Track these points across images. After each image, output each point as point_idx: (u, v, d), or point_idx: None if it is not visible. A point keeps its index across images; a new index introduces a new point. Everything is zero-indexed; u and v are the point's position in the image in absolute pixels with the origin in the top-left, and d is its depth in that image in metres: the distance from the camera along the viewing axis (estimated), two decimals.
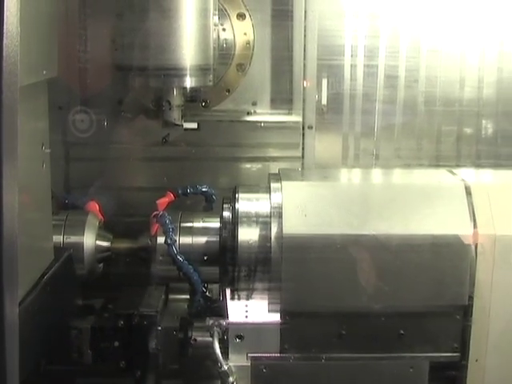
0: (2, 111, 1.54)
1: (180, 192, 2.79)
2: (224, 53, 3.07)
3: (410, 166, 3.13)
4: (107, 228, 2.80)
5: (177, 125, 2.86)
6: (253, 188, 2.68)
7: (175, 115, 2.82)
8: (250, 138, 3.16)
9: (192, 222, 2.69)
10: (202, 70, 2.74)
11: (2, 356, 1.60)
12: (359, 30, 3.06)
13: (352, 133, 3.15)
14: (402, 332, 2.49)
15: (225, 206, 2.64)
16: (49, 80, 2.28)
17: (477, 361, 2.50)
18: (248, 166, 3.19)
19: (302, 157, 3.14)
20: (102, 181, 3.04)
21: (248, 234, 2.51)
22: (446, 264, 2.45)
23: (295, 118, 3.14)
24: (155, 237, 2.63)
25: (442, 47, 3.10)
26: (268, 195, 2.55)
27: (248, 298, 2.54)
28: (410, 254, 2.44)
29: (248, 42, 3.09)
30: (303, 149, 3.14)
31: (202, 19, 2.71)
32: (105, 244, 2.74)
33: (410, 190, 2.60)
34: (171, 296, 2.85)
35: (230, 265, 2.53)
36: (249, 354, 2.47)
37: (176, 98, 2.80)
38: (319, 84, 3.11)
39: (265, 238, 2.48)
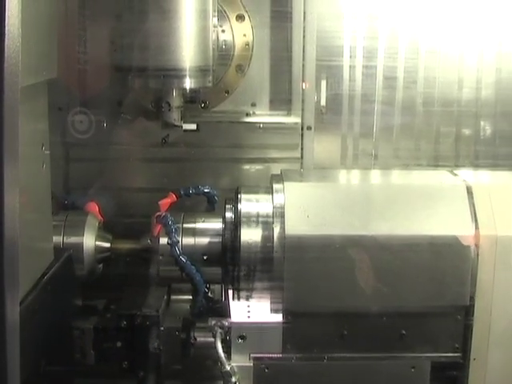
0: (4, 111, 1.54)
1: (182, 193, 2.79)
2: (223, 54, 3.07)
3: (409, 166, 3.14)
4: (107, 229, 2.81)
5: (176, 126, 2.87)
6: (255, 189, 2.69)
7: (175, 116, 2.83)
8: (249, 139, 3.16)
9: (194, 222, 2.70)
10: (201, 71, 2.75)
11: (2, 355, 1.60)
12: (358, 31, 3.07)
13: (351, 133, 3.16)
14: (403, 332, 2.50)
15: (227, 206, 2.64)
16: (48, 81, 2.29)
17: (478, 361, 2.51)
18: (247, 166, 3.20)
19: (301, 157, 3.15)
20: (102, 181, 3.05)
21: (250, 235, 2.52)
22: (448, 264, 2.46)
23: (294, 118, 3.14)
24: (158, 237, 2.64)
25: (440, 48, 3.10)
26: (270, 196, 2.56)
27: (250, 298, 2.54)
28: (412, 254, 2.45)
29: (247, 44, 3.10)
30: (302, 149, 3.15)
31: (202, 20, 2.71)
32: (104, 245, 2.74)
33: (411, 190, 2.61)
34: (173, 296, 2.85)
35: (233, 265, 2.53)
36: (251, 355, 2.48)
37: (175, 99, 2.81)
38: (318, 85, 3.11)
39: (267, 239, 2.49)
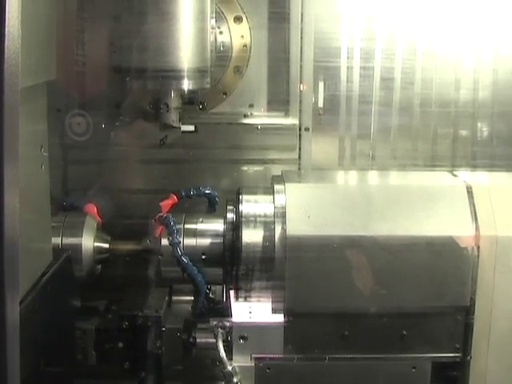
0: (4, 112, 1.55)
1: (183, 194, 2.80)
2: (221, 55, 3.08)
3: (406, 167, 3.15)
4: (105, 230, 2.81)
5: (174, 127, 2.87)
6: (256, 190, 2.70)
7: (173, 117, 2.83)
8: (246, 140, 3.17)
9: (196, 223, 2.70)
10: (199, 72, 2.75)
11: (3, 355, 1.61)
12: (355, 33, 3.07)
13: (348, 134, 3.16)
14: (404, 332, 2.51)
15: (228, 207, 2.65)
16: (47, 83, 2.29)
17: (478, 361, 2.52)
18: (245, 168, 3.20)
19: (299, 158, 3.15)
20: (100, 183, 3.05)
21: (252, 236, 2.53)
22: (448, 265, 2.47)
23: (292, 120, 3.15)
24: (159, 238, 2.64)
25: (437, 49, 3.11)
26: (271, 197, 2.57)
27: (252, 298, 2.55)
28: (412, 254, 2.46)
29: (245, 45, 3.10)
30: (300, 151, 3.16)
31: (200, 22, 2.72)
32: (103, 245, 2.75)
33: (411, 191, 2.62)
34: (174, 297, 2.87)
35: (234, 266, 2.54)
36: (252, 355, 2.49)
37: (174, 101, 2.81)
38: (316, 86, 3.12)
39: (269, 240, 2.50)
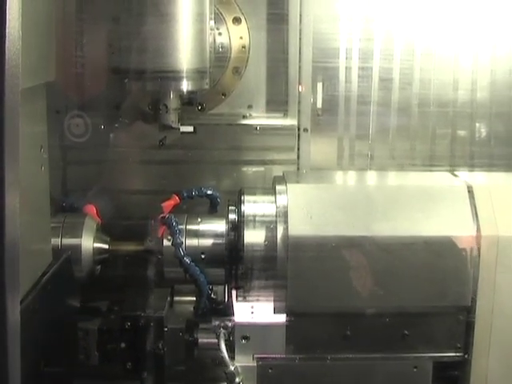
0: (5, 113, 1.55)
1: (185, 195, 2.80)
2: (220, 56, 3.08)
3: (404, 167, 3.15)
4: (105, 230, 2.82)
5: (174, 128, 2.87)
6: (258, 190, 2.72)
7: (172, 118, 2.83)
8: (245, 141, 3.17)
9: (198, 224, 2.71)
10: (198, 73, 2.76)
11: (3, 355, 1.61)
12: (354, 33, 3.08)
13: (347, 135, 3.17)
14: (406, 332, 2.52)
15: (230, 208, 2.66)
16: (46, 84, 2.30)
17: (479, 360, 2.53)
18: (244, 168, 3.21)
19: (298, 159, 3.16)
20: (100, 184, 3.05)
21: (254, 236, 2.54)
22: (449, 265, 2.48)
23: (291, 121, 3.16)
24: (162, 239, 2.65)
25: (435, 50, 3.12)
26: (273, 197, 2.58)
27: (254, 299, 2.56)
28: (414, 255, 2.47)
29: (244, 46, 3.11)
30: (299, 151, 3.16)
31: (199, 23, 2.72)
32: (102, 246, 2.75)
33: (413, 191, 2.64)
34: (176, 298, 2.87)
35: (236, 266, 2.55)
36: (255, 355, 2.50)
37: (173, 102, 2.81)
38: (314, 87, 3.13)
39: (271, 240, 2.51)
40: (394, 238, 2.47)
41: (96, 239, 2.73)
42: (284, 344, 2.51)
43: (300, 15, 3.05)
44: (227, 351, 2.47)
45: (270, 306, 2.53)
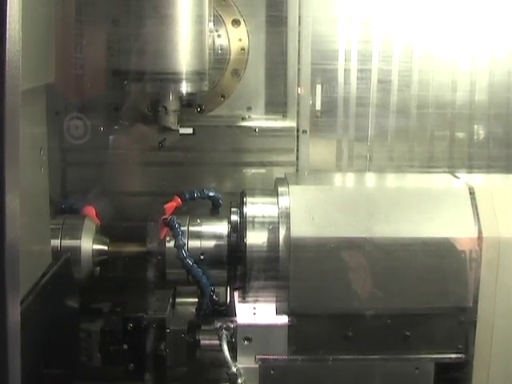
0: (5, 114, 1.56)
1: (187, 196, 2.80)
2: (219, 58, 3.09)
3: (402, 168, 3.16)
4: (104, 232, 2.82)
5: (173, 130, 2.88)
6: (260, 192, 2.72)
7: (171, 120, 2.84)
8: (244, 143, 3.18)
9: (200, 225, 2.71)
10: (197, 75, 2.76)
11: (4, 355, 1.62)
12: (353, 36, 3.09)
13: (346, 137, 3.18)
14: (407, 334, 2.52)
15: (233, 209, 2.66)
16: (46, 85, 2.30)
17: (481, 361, 2.53)
18: (243, 170, 3.21)
19: (297, 160, 3.17)
20: (99, 185, 3.05)
21: (256, 238, 2.54)
22: (451, 266, 2.48)
23: (290, 122, 3.16)
24: (164, 240, 2.65)
25: (434, 52, 3.13)
26: (275, 199, 2.59)
27: (256, 300, 2.56)
28: (415, 256, 2.47)
29: (243, 48, 3.12)
30: (298, 153, 3.17)
31: (198, 25, 2.73)
32: (102, 248, 2.75)
33: (415, 193, 2.64)
34: (178, 299, 2.88)
35: (238, 267, 2.56)
36: (257, 356, 2.50)
37: (172, 103, 2.82)
38: (313, 89, 3.13)
39: (273, 241, 2.51)
40: (395, 239, 2.48)
41: (95, 241, 2.73)
42: (286, 345, 2.51)
43: (299, 17, 3.06)
44: (229, 352, 2.47)
45: (272, 307, 2.53)
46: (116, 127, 3.07)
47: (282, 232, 2.50)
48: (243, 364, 2.49)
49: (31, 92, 2.06)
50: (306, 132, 3.15)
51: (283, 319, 2.52)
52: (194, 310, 2.78)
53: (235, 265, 2.60)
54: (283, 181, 2.70)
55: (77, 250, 2.66)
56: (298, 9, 3.05)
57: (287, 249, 2.47)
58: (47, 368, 2.19)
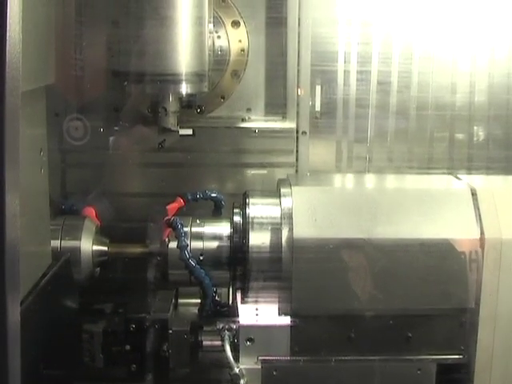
0: (5, 115, 1.56)
1: (190, 197, 2.81)
2: (219, 60, 3.09)
3: (401, 169, 3.17)
4: (104, 233, 2.82)
5: (173, 131, 2.88)
6: (262, 193, 2.73)
7: (171, 121, 2.84)
8: (244, 144, 3.18)
9: (203, 226, 2.71)
10: (197, 76, 2.77)
11: (3, 355, 1.62)
12: (352, 37, 3.09)
13: (345, 138, 3.18)
14: (409, 335, 2.52)
15: (235, 210, 2.67)
16: (46, 87, 2.31)
17: (483, 363, 2.53)
18: (243, 171, 3.21)
19: (296, 161, 3.17)
20: (99, 186, 3.06)
21: (259, 239, 2.54)
22: (453, 267, 2.49)
23: (289, 123, 3.16)
24: (167, 241, 2.66)
25: (433, 54, 3.14)
26: (277, 200, 2.59)
27: (258, 301, 2.57)
28: (418, 257, 2.48)
29: (242, 49, 3.12)
30: (297, 154, 3.17)
31: (198, 27, 2.73)
32: (102, 248, 2.75)
33: (417, 194, 2.64)
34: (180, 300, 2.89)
35: (241, 268, 2.56)
36: (259, 357, 2.51)
37: (172, 105, 2.82)
38: (313, 90, 3.14)
39: (275, 242, 2.51)
40: (398, 240, 2.48)
41: (95, 242, 2.73)
42: (288, 346, 2.51)
43: (299, 19, 3.06)
44: (231, 353, 2.47)
45: (275, 308, 2.53)
46: (116, 128, 3.08)
47: (285, 233, 2.50)
48: (245, 365, 2.50)
49: (31, 93, 2.06)
50: (305, 133, 3.16)
51: (285, 320, 2.52)
52: (196, 311, 2.78)
53: (237, 266, 2.60)
54: (285, 182, 2.70)
55: (77, 251, 2.66)
56: (298, 10, 3.05)
57: (289, 250, 2.47)
58: (47, 369, 2.19)
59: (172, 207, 2.75)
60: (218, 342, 2.53)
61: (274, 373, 2.52)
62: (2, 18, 1.54)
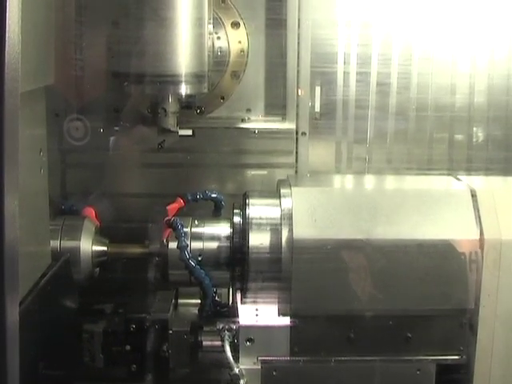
0: (4, 116, 1.56)
1: (190, 198, 2.81)
2: (218, 60, 3.09)
3: (400, 170, 3.17)
4: (103, 233, 2.82)
5: (172, 131, 2.88)
6: (262, 193, 2.73)
7: (171, 122, 2.84)
8: (244, 144, 3.18)
9: (203, 226, 2.72)
10: (197, 77, 2.77)
11: (2, 356, 1.62)
12: (352, 38, 3.10)
13: (345, 139, 3.18)
14: (409, 335, 2.53)
15: (235, 211, 2.67)
16: (45, 87, 2.31)
17: (483, 363, 2.53)
18: (242, 172, 3.22)
19: (296, 162, 3.17)
20: (98, 186, 3.06)
21: (259, 239, 2.55)
22: (453, 268, 2.49)
23: (289, 124, 3.17)
24: (167, 241, 2.66)
25: (433, 55, 3.14)
26: (277, 201, 2.59)
27: (258, 301, 2.57)
28: (418, 258, 2.48)
29: (242, 50, 3.12)
30: (297, 155, 3.18)
31: (198, 28, 2.74)
32: (101, 249, 2.75)
33: (417, 195, 2.64)
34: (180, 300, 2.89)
35: (241, 269, 2.56)
36: (259, 357, 2.51)
37: (171, 105, 2.82)
38: (312, 91, 3.14)
39: (275, 243, 2.52)
40: (397, 241, 2.48)
41: (95, 242, 2.73)
42: (288, 346, 2.52)
43: (298, 20, 3.06)
44: (231, 353, 2.48)
45: (275, 308, 2.54)
46: (116, 128, 3.08)
47: (285, 233, 2.50)
48: (245, 365, 2.50)
49: (31, 94, 2.07)
50: (305, 134, 3.16)
51: (285, 320, 2.52)
52: (196, 311, 2.79)
53: (237, 266, 2.60)
54: (285, 182, 2.71)
55: (76, 251, 2.67)
56: (298, 11, 3.06)
57: (289, 250, 2.48)
58: (47, 369, 2.20)
59: (172, 208, 2.76)
60: (218, 343, 2.53)
61: (274, 373, 2.52)
62: (2, 18, 1.55)
